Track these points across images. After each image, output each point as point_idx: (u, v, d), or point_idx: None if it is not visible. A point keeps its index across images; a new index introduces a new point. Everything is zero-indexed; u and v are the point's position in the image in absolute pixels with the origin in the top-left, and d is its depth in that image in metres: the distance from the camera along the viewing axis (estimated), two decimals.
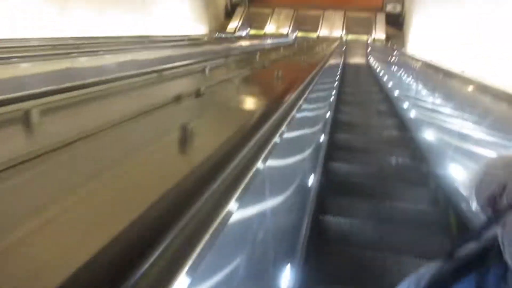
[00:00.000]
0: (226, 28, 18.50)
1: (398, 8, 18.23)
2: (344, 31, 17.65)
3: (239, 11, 19.08)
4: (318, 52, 7.93)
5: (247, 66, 3.97)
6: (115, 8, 10.63)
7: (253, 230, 1.44)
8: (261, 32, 18.22)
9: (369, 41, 16.88)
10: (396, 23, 17.91)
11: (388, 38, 16.68)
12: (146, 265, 0.56)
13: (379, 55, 12.54)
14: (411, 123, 5.40)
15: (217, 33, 16.71)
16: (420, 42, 13.14)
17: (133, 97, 2.20)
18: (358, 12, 18.60)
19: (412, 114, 5.57)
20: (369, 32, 17.42)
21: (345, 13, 18.48)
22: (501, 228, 0.62)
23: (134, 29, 10.80)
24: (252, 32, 18.62)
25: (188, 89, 2.22)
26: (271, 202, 1.73)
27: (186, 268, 0.62)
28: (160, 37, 10.12)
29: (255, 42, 12.34)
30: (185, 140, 1.19)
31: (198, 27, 16.09)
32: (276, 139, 1.61)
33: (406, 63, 8.63)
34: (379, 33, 16.99)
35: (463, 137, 3.66)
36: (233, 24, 18.39)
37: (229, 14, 19.49)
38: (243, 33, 18.06)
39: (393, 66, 9.56)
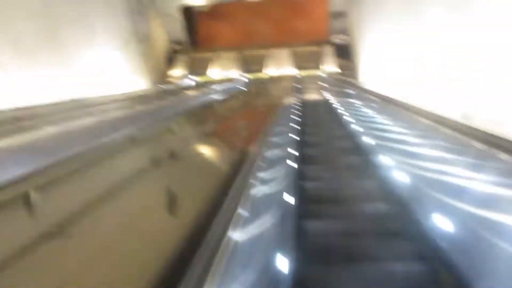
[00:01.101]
0: (167, 77, 17.15)
1: (344, 38, 17.72)
2: (293, 67, 16.79)
3: (181, 58, 17.84)
4: (269, 99, 6.65)
5: (151, 155, 2.49)
6: (24, 65, 8.93)
7: None
8: (206, 77, 17.00)
9: (321, 75, 16.10)
10: (345, 53, 17.35)
11: (341, 69, 15.96)
12: None
13: (336, 90, 11.54)
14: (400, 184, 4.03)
15: (157, 85, 15.31)
16: (371, 71, 12.36)
17: None
18: (305, 47, 17.94)
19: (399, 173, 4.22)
20: (319, 66, 16.67)
21: (291, 50, 17.73)
22: None
23: (51, 91, 9.13)
24: (196, 78, 17.40)
25: None
26: None
27: None
28: (70, 102, 8.44)
29: (193, 93, 10.96)
30: None
31: (136, 80, 14.60)
32: None
33: (373, 101, 7.56)
34: (330, 66, 16.27)
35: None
36: (175, 72, 17.07)
37: (171, 62, 18.23)
38: (187, 81, 16.78)
39: (361, 106, 8.47)
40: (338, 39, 17.80)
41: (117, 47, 13.58)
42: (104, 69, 12.55)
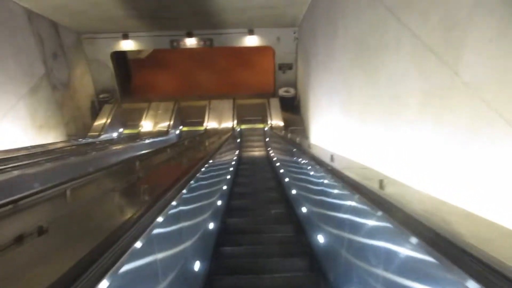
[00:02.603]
0: (91, 129, 14.76)
1: (291, 91, 16.49)
2: (235, 121, 15.10)
3: (107, 108, 15.61)
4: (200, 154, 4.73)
5: None
6: None
7: None
8: (135, 130, 14.84)
9: (266, 129, 14.54)
10: (292, 107, 16.06)
11: (286, 124, 14.47)
12: None
13: (279, 148, 9.82)
14: None
15: (71, 138, 12.92)
16: (324, 128, 10.90)
17: None
18: (249, 99, 16.47)
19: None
20: (264, 120, 15.12)
21: (234, 101, 16.14)
22: None
23: None
24: (126, 131, 15.18)
25: None
26: None
27: None
28: None
29: (108, 150, 8.76)
30: None
31: (44, 135, 12.13)
32: None
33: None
34: (276, 120, 14.76)
35: None
36: (99, 125, 14.75)
37: (98, 113, 15.90)
38: (114, 134, 14.51)
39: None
40: (284, 91, 16.54)
41: (19, 95, 11.20)
42: None
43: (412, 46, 4.90)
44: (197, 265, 3.50)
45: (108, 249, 1.54)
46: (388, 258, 2.27)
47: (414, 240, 1.84)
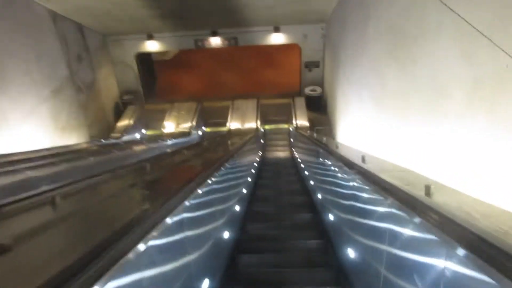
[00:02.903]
0: (115, 130, 14.64)
1: (318, 90, 15.86)
2: (259, 121, 14.61)
3: (131, 109, 15.47)
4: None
5: None
6: None
7: None
8: (158, 131, 14.60)
9: (290, 129, 14.01)
10: (318, 106, 15.43)
11: (312, 124, 13.86)
12: None
13: (304, 148, 9.25)
14: None
15: (93, 139, 12.79)
16: (352, 126, 10.26)
17: None
18: (273, 99, 15.95)
19: None
20: (289, 120, 14.57)
21: (258, 101, 15.65)
22: None
23: None
24: (148, 132, 14.99)
25: None
26: None
27: None
28: None
29: (126, 151, 8.46)
30: None
31: (67, 136, 12.03)
32: None
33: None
34: (301, 120, 14.18)
35: None
36: (122, 126, 14.60)
37: (121, 114, 15.80)
38: (136, 135, 14.33)
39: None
40: (310, 90, 15.93)
41: (42, 97, 11.11)
42: (19, 123, 10.00)
43: (456, 30, 4.27)
44: (215, 270, 3.04)
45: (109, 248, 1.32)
46: (435, 279, 1.73)
47: (462, 251, 1.36)
